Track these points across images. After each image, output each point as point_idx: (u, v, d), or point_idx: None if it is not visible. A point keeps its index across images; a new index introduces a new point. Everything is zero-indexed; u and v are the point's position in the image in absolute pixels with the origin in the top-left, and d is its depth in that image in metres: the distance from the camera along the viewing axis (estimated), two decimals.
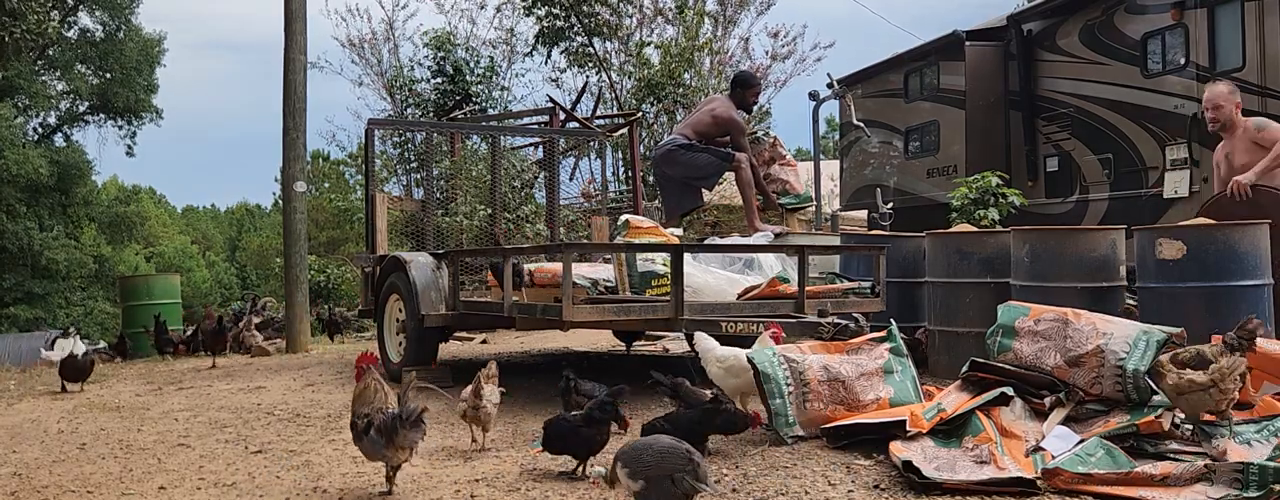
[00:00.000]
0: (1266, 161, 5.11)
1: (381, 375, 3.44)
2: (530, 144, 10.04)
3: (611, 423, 3.57)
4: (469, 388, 3.94)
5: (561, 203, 8.72)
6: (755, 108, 8.32)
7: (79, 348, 6.59)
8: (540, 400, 5.18)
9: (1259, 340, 4.04)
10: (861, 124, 11.63)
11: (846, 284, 5.52)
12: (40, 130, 23.77)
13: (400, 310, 6.23)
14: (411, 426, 3.15)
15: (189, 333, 9.33)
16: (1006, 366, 3.85)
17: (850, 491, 3.16)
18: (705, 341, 4.33)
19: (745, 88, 7.12)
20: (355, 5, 27.23)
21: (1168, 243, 4.58)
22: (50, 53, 22.88)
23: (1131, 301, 5.05)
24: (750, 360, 4.06)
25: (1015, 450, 3.38)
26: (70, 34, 23.24)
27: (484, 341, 9.32)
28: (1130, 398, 3.58)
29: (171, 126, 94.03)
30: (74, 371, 6.52)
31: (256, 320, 9.61)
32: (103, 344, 11.31)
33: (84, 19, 23.49)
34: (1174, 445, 3.33)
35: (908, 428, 3.57)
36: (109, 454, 4.22)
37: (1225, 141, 5.48)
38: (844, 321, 4.46)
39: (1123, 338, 3.67)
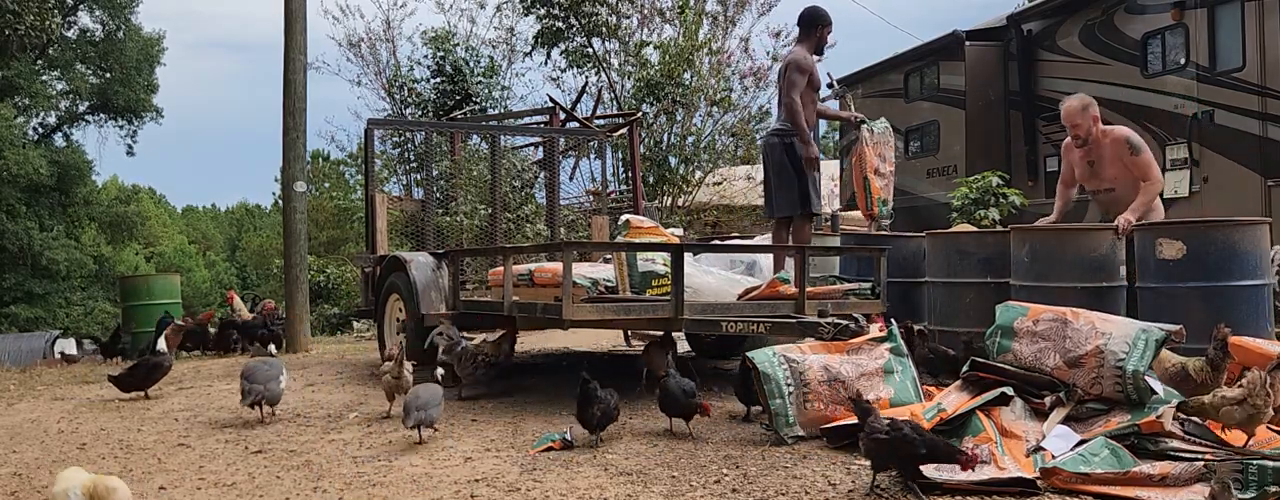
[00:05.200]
0: (1141, 205, 5.04)
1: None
2: (530, 144, 10.04)
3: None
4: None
5: (562, 203, 8.72)
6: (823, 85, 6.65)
7: (161, 345, 5.92)
8: (541, 401, 5.19)
9: (1259, 340, 4.06)
10: None
11: (847, 285, 5.52)
12: (40, 130, 23.75)
13: (400, 310, 6.24)
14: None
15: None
16: (1007, 367, 3.85)
17: (850, 491, 3.17)
18: None
19: (818, 26, 5.97)
20: (348, 3, 26.47)
21: (1168, 242, 4.58)
22: (50, 52, 22.87)
23: None
24: (749, 360, 4.06)
25: (1015, 450, 3.38)
26: (70, 34, 23.23)
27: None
28: (1130, 398, 3.58)
29: (171, 126, 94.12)
30: (143, 375, 5.76)
31: (249, 317, 9.72)
32: (89, 343, 11.18)
33: (84, 18, 23.49)
34: (1175, 444, 3.33)
35: None
36: (109, 454, 4.22)
37: (1084, 149, 5.41)
38: (844, 321, 4.46)
39: (1122, 338, 3.67)
